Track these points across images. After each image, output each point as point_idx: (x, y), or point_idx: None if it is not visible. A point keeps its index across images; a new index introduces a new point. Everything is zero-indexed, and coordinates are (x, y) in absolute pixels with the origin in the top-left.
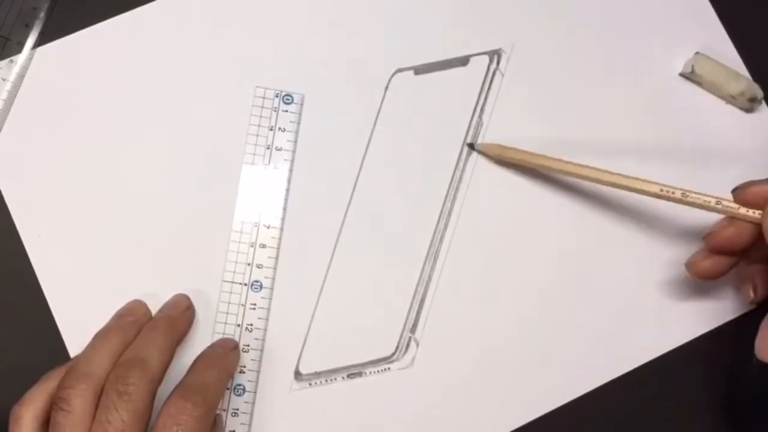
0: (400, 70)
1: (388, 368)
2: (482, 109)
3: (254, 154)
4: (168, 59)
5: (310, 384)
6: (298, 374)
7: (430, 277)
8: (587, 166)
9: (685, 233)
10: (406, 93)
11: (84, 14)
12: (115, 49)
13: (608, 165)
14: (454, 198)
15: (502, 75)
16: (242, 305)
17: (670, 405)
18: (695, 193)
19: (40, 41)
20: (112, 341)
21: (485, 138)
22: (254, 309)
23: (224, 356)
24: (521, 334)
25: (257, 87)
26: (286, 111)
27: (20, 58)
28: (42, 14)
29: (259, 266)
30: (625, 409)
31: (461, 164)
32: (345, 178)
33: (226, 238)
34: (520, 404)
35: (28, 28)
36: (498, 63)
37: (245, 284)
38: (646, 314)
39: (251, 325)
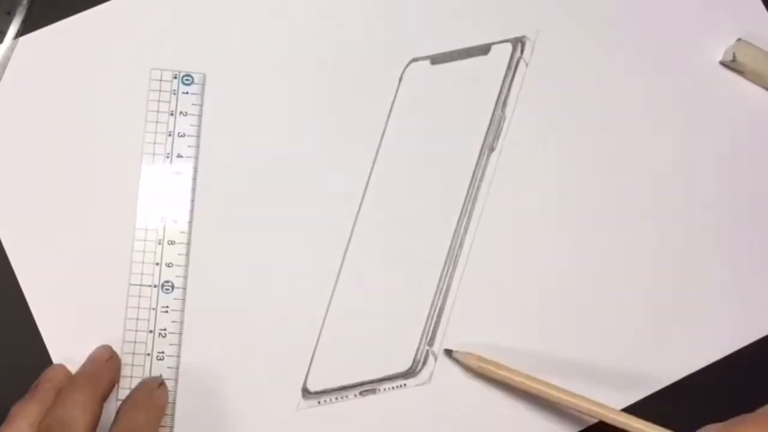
0: (415, 60)
1: (404, 384)
2: (505, 102)
3: (155, 144)
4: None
5: (319, 402)
6: (306, 392)
7: (449, 286)
8: (566, 391)
9: None
10: (423, 85)
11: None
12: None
13: (641, 161)
14: (475, 198)
15: (527, 64)
16: (153, 309)
17: None
18: None
19: (23, 30)
20: (31, 410)
21: (508, 132)
22: (166, 312)
23: (150, 395)
24: (546, 347)
25: (152, 69)
26: (186, 92)
27: (2, 48)
28: (25, 2)
29: (168, 265)
30: None
31: (483, 162)
32: (359, 177)
33: (131, 237)
34: (547, 423)
35: (10, 16)
36: (522, 51)
37: (155, 286)
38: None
39: (164, 329)
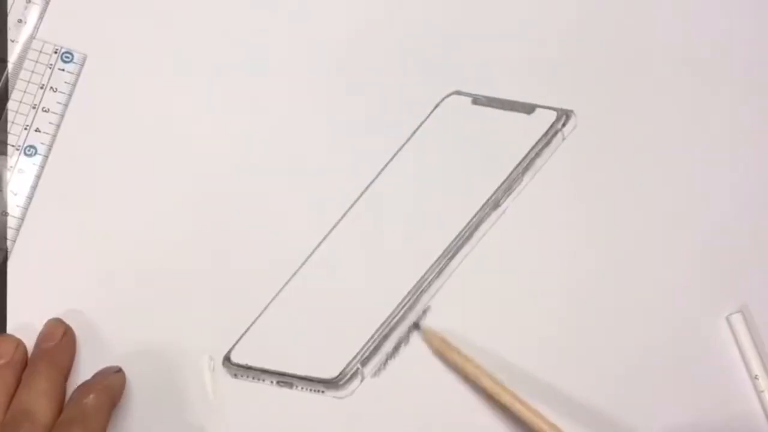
0: (458, 93)
1: (321, 391)
2: (527, 167)
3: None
4: None
5: (235, 375)
6: (227, 360)
7: (403, 317)
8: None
9: None
10: (455, 119)
11: None
12: None
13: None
14: (457, 250)
15: (564, 138)
16: None
17: None
18: None
19: None
20: None
21: (519, 197)
22: None
23: (105, 380)
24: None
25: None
26: (62, 69)
27: None
28: None
29: None
30: None
31: (481, 215)
32: (355, 186)
33: None
34: None
35: None
36: (564, 124)
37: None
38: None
39: None
